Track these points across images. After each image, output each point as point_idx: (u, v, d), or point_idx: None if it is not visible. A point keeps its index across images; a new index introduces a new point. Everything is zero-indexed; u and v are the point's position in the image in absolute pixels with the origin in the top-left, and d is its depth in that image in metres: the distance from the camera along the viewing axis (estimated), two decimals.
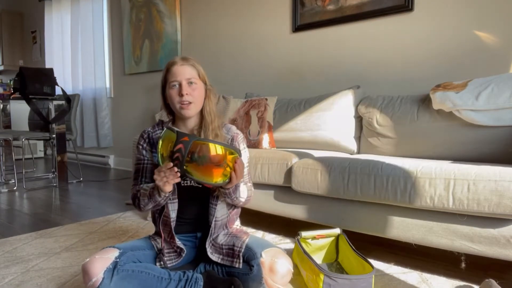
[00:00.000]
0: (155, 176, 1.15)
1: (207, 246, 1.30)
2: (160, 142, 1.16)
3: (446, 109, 1.80)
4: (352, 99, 2.23)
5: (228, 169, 1.15)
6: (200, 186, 1.30)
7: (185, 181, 1.31)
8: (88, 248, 1.82)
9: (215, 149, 1.12)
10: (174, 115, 1.38)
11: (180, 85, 1.27)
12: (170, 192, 1.20)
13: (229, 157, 1.14)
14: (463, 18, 2.16)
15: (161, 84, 1.34)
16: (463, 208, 1.34)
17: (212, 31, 3.51)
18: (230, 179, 1.18)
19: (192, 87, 1.28)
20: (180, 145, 1.09)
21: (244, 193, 1.32)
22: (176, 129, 1.16)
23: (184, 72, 1.28)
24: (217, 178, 1.15)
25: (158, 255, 1.31)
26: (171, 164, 1.11)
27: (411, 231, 1.51)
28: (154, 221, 1.39)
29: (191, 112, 1.29)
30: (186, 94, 1.26)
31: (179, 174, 1.12)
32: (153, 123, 1.43)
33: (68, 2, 5.06)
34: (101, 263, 1.14)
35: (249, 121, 2.39)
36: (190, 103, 1.27)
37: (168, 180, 1.14)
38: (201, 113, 1.34)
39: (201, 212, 1.35)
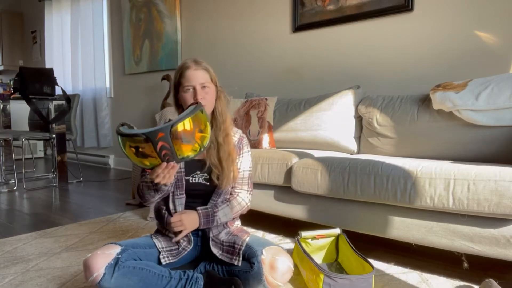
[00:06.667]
0: (156, 180, 1.14)
1: (210, 236, 1.34)
2: (128, 151, 1.11)
3: (446, 109, 1.80)
4: (352, 99, 2.23)
5: (196, 145, 1.14)
6: (208, 183, 1.34)
7: (193, 178, 1.35)
8: (88, 248, 1.82)
9: (183, 126, 1.10)
10: None
11: (194, 89, 1.30)
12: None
13: (198, 134, 1.14)
14: (463, 18, 2.16)
15: (173, 86, 1.38)
16: (463, 208, 1.34)
17: (212, 31, 3.51)
18: None
19: (205, 91, 1.32)
20: (160, 143, 1.07)
21: (227, 215, 1.36)
22: (136, 131, 1.09)
23: (198, 77, 1.31)
24: (187, 152, 1.13)
25: (161, 253, 1.31)
26: (165, 163, 1.11)
27: (411, 231, 1.51)
28: (159, 218, 1.40)
29: None
30: (201, 98, 1.29)
31: (176, 165, 1.14)
32: (154, 124, 1.44)
33: (68, 2, 5.06)
34: (102, 259, 1.15)
35: (249, 121, 2.39)
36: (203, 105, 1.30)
37: (169, 175, 1.14)
38: (212, 113, 1.38)
39: None
